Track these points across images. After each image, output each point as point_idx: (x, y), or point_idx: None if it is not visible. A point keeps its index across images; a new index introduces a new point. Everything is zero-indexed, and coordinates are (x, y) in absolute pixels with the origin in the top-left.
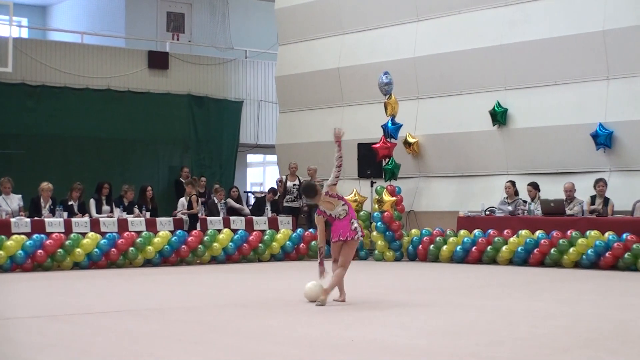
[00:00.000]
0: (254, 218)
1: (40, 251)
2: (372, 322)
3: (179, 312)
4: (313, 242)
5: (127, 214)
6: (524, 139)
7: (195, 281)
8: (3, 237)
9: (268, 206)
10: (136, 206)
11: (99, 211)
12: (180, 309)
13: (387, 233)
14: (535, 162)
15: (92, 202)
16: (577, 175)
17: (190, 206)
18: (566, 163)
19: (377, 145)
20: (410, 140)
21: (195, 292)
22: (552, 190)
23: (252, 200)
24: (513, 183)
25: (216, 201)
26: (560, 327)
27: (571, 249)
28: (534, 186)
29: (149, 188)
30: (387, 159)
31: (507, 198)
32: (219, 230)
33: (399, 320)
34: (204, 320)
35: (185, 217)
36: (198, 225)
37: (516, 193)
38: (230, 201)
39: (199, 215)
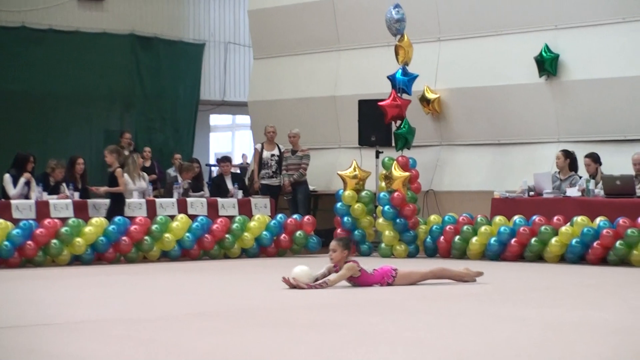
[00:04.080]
0: (220, 200)
1: None
2: (380, 340)
3: (117, 326)
4: (298, 233)
5: (50, 194)
6: (581, 95)
7: (140, 284)
8: None
9: (229, 183)
10: (63, 184)
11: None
12: (120, 322)
13: (398, 220)
14: (595, 126)
15: (7, 178)
16: None
17: (113, 182)
18: (636, 126)
19: (385, 103)
20: (430, 96)
21: (140, 299)
22: (617, 163)
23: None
24: (567, 153)
25: (180, 181)
26: (631, 344)
27: None
28: (594, 159)
29: (80, 160)
30: (399, 122)
31: (558, 173)
32: (173, 217)
33: (415, 336)
34: (151, 336)
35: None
36: (127, 209)
37: (572, 166)
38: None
39: (149, 195)
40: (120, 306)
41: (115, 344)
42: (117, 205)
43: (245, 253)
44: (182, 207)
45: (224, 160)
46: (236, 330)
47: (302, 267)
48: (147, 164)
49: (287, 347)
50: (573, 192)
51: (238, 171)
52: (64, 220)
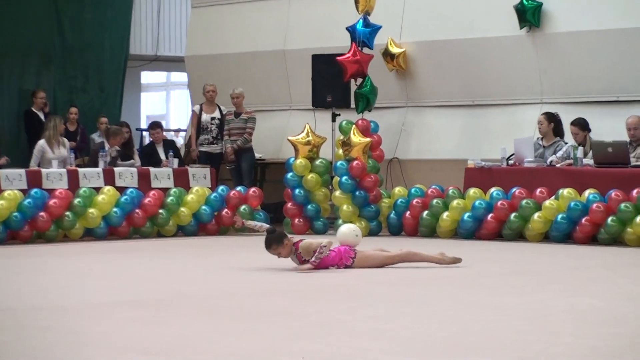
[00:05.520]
0: (152, 170)
1: None
2: (334, 330)
3: (32, 315)
4: (242, 207)
5: None
6: (567, 50)
7: (59, 267)
8: None
9: (161, 152)
10: None
11: None
12: (35, 310)
13: (357, 193)
14: (583, 85)
15: None
16: None
17: None
18: (630, 86)
19: (344, 58)
20: (394, 50)
21: (59, 284)
22: (609, 127)
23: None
24: (550, 116)
25: (107, 148)
26: (621, 335)
27: (638, 218)
28: (582, 126)
29: None
30: (360, 80)
31: (541, 139)
32: (98, 189)
33: (375, 326)
34: (69, 327)
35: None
36: (45, 180)
37: (556, 131)
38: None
39: (71, 164)
40: (36, 293)
41: (29, 335)
42: None
43: (181, 231)
44: (109, 178)
45: (154, 126)
46: (170, 320)
47: (349, 226)
48: (72, 127)
49: (230, 339)
50: (558, 161)
51: (180, 139)
52: None
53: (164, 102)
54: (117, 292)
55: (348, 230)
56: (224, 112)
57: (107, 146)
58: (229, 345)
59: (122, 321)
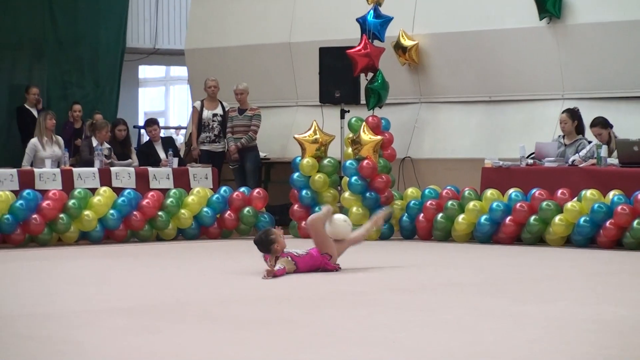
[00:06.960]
0: (151, 170)
1: None
2: (340, 339)
3: (21, 322)
4: (246, 209)
5: None
6: (590, 42)
7: (52, 272)
8: None
9: (160, 150)
10: None
11: None
12: (24, 318)
13: (368, 194)
14: (607, 80)
15: None
16: None
17: None
18: None
19: (353, 51)
20: (406, 43)
21: (50, 290)
22: (635, 125)
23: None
24: (572, 114)
25: (94, 144)
26: None
27: None
28: (602, 125)
29: None
30: (370, 74)
31: (563, 137)
32: (94, 190)
33: (382, 335)
34: (60, 335)
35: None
36: (38, 180)
37: (579, 129)
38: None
39: (65, 164)
40: (26, 299)
41: (16, 343)
42: None
43: (182, 234)
44: (105, 179)
45: (151, 123)
46: (166, 329)
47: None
48: (78, 125)
49: (229, 350)
50: (581, 161)
51: (180, 137)
52: None
53: (162, 98)
54: (111, 299)
55: (339, 221)
56: (226, 109)
57: (94, 142)
58: (227, 355)
59: (114, 330)
